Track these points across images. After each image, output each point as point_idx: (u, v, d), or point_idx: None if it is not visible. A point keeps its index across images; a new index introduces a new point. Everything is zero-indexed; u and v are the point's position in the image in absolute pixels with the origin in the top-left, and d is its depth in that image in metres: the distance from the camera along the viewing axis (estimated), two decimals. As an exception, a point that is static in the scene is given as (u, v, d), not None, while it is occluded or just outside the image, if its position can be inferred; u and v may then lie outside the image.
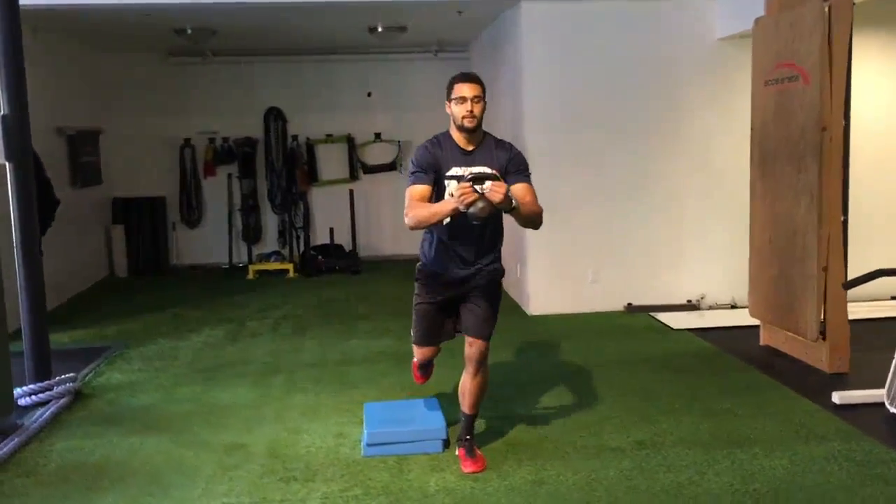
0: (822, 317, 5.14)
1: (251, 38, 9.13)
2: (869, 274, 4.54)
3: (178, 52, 9.87)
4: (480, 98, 3.71)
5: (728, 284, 7.18)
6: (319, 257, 9.76)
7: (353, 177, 10.45)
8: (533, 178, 3.83)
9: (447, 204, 3.54)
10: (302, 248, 10.09)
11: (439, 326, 4.03)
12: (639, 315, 6.97)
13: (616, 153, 7.07)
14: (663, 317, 6.84)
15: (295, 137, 10.29)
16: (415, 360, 4.20)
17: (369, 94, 10.39)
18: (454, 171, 3.68)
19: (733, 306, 7.15)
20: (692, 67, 7.05)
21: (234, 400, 5.00)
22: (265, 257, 9.91)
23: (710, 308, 7.15)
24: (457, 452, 3.97)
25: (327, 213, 10.23)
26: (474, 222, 3.50)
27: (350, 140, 10.41)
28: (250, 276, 9.48)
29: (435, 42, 9.89)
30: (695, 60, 7.04)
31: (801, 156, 5.20)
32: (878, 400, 4.52)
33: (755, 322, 6.37)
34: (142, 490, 3.72)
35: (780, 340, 5.74)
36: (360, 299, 8.09)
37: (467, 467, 3.83)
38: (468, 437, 3.96)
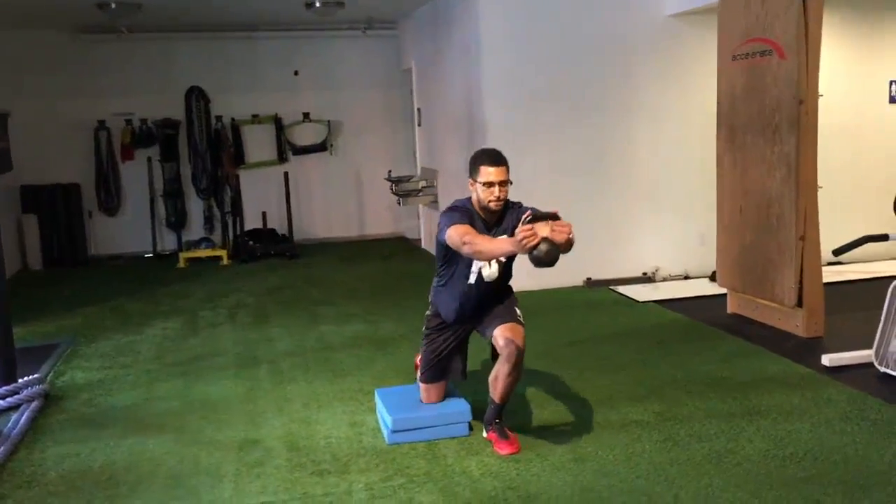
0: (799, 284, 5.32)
1: (175, 13, 8.66)
2: (856, 241, 4.74)
3: (90, 28, 9.28)
4: (507, 181, 3.69)
5: (680, 256, 7.35)
6: (251, 242, 9.43)
7: (282, 159, 10.13)
8: None
9: (504, 244, 3.48)
10: (233, 234, 9.70)
11: (449, 362, 4.04)
12: (599, 289, 7.05)
13: (573, 129, 7.10)
14: (623, 290, 6.95)
15: (219, 118, 9.89)
16: (423, 397, 4.07)
17: (296, 73, 10.09)
18: None
19: (686, 277, 7.34)
20: (643, 43, 7.14)
21: (224, 394, 4.74)
22: (194, 244, 9.48)
23: (664, 280, 7.31)
24: (486, 435, 3.89)
25: (257, 197, 9.87)
26: (536, 266, 3.37)
27: (277, 120, 10.09)
28: (181, 264, 9.06)
29: (364, 19, 9.66)
30: (646, 36, 7.13)
31: (776, 128, 5.34)
32: (865, 360, 4.72)
33: (714, 291, 6.59)
34: (168, 494, 3.47)
35: (749, 308, 5.92)
36: (309, 285, 7.85)
37: (503, 449, 3.76)
38: (498, 419, 3.88)
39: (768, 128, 5.43)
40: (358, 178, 10.38)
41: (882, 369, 4.59)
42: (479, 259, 3.68)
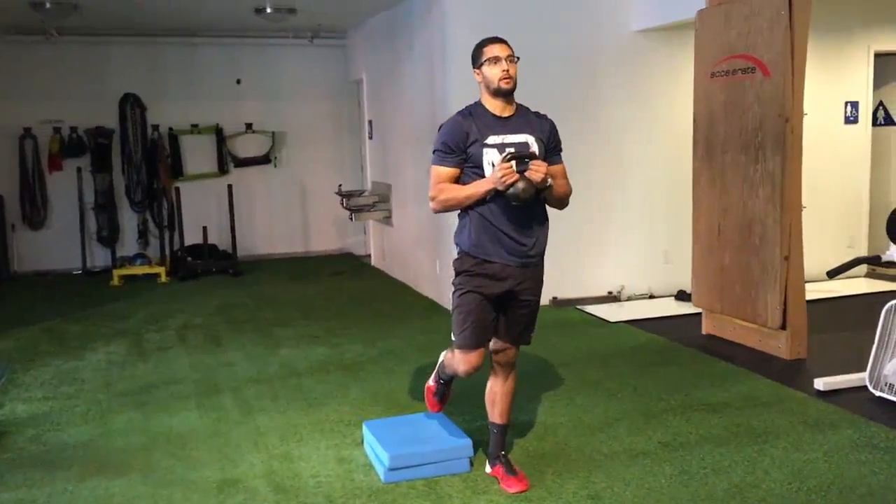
0: (783, 305, 5.22)
1: (113, 14, 8.15)
2: (849, 262, 4.64)
3: (16, 29, 8.66)
4: (514, 58, 3.44)
5: (644, 275, 7.22)
6: (190, 259, 8.92)
7: (223, 170, 9.67)
8: None
9: (483, 184, 3.31)
10: (170, 249, 9.17)
11: (491, 321, 3.42)
12: (567, 309, 6.86)
13: (539, 144, 6.90)
14: (590, 309, 6.78)
15: (156, 127, 9.36)
16: (461, 369, 3.46)
17: (238, 82, 9.65)
18: (491, 139, 3.37)
19: (651, 296, 7.21)
20: (609, 59, 7.00)
21: (189, 427, 4.33)
22: (129, 260, 8.91)
23: (629, 299, 7.16)
24: (490, 471, 3.62)
25: (196, 211, 9.34)
26: (514, 203, 3.28)
27: (218, 131, 9.62)
28: (115, 281, 8.50)
29: (313, 27, 9.31)
30: (612, 52, 6.99)
31: (759, 146, 5.25)
32: (857, 384, 4.63)
33: (683, 311, 6.54)
34: (146, 548, 3.08)
35: (725, 329, 5.80)
36: (259, 304, 7.44)
37: (512, 487, 3.48)
38: (503, 452, 3.61)
39: (750, 146, 5.33)
40: (303, 191, 9.99)
41: (877, 393, 4.50)
42: (450, 211, 3.45)
